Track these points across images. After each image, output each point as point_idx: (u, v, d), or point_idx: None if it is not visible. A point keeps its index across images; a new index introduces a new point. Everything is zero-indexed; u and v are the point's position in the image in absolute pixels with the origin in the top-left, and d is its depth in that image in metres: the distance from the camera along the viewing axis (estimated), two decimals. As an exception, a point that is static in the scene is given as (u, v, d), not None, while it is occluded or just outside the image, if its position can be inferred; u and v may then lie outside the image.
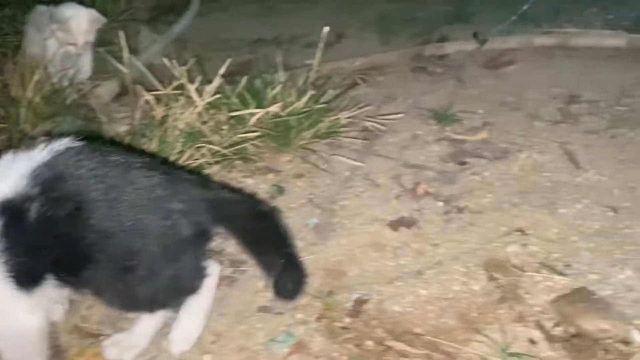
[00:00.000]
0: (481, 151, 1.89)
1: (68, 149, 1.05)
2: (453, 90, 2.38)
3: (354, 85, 2.35)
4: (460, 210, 1.60)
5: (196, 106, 1.65)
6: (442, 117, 2.10)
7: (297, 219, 1.58)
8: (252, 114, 1.67)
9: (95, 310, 1.28)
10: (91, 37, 2.25)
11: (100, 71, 2.49)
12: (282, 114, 1.70)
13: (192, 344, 1.19)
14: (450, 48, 2.78)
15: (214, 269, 1.21)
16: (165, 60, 1.75)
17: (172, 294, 1.13)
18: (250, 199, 1.44)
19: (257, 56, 2.84)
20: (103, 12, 2.96)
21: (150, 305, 1.14)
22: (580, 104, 2.20)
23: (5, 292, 1.01)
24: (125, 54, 1.82)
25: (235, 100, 1.74)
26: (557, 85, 2.35)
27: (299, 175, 1.78)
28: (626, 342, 1.14)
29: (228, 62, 1.78)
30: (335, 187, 1.73)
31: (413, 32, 3.09)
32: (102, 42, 2.69)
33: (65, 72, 2.18)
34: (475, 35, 2.75)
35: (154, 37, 3.01)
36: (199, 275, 1.16)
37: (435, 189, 1.70)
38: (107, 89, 2.23)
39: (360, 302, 1.28)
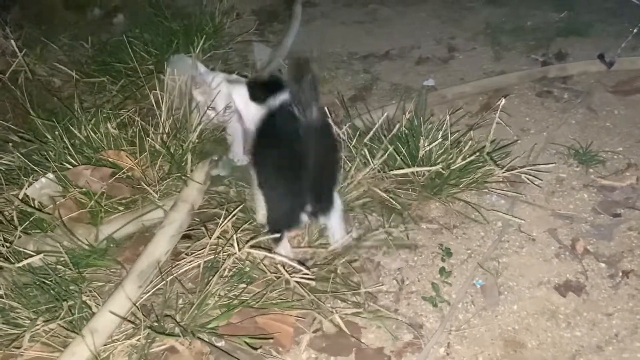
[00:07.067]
0: (632, 201, 1.88)
1: None
2: (585, 122, 2.34)
3: (484, 110, 2.36)
4: (625, 274, 1.61)
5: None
6: (583, 156, 2.08)
7: (460, 279, 1.64)
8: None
9: None
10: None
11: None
12: (443, 171, 1.73)
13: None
14: (573, 69, 2.70)
15: None
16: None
17: None
18: None
19: (373, 76, 2.87)
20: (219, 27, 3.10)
21: None
22: None
23: None
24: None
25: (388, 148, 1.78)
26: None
27: (453, 227, 1.82)
28: None
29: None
30: (489, 241, 1.76)
31: (525, 43, 3.02)
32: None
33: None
34: (601, 57, 2.65)
35: (267, 50, 3.07)
36: None
37: (594, 247, 1.71)
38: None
39: (547, 380, 1.33)
